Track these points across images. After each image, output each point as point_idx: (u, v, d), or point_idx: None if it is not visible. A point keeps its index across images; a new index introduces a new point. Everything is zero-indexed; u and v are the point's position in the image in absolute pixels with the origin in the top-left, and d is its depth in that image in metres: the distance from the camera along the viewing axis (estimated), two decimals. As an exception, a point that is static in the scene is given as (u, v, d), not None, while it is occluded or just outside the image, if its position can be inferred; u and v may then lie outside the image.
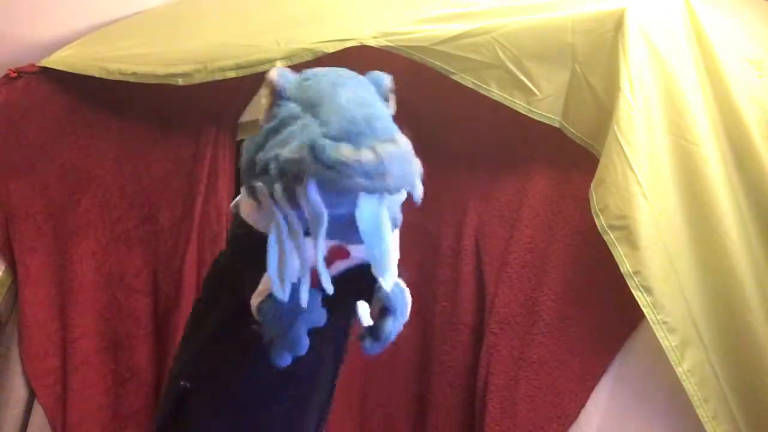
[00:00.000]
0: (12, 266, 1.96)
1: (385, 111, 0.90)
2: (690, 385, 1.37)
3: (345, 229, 0.86)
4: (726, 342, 1.41)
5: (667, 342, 1.38)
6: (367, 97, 0.90)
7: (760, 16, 1.63)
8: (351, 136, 0.82)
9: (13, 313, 1.97)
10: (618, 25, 1.48)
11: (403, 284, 1.01)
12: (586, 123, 1.53)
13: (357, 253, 0.97)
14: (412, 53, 1.59)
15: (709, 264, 1.42)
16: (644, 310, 1.38)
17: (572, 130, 1.55)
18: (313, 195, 0.82)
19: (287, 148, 0.85)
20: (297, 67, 1.77)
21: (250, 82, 1.94)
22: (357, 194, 0.83)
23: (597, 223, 1.43)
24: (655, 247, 1.40)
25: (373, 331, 1.00)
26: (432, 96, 1.74)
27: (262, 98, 0.96)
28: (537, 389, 1.53)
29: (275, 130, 0.90)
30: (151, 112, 2.01)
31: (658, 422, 1.45)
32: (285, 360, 0.95)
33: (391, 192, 0.84)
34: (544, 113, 1.55)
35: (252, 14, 1.90)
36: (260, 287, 0.99)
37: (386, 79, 0.96)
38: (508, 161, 1.69)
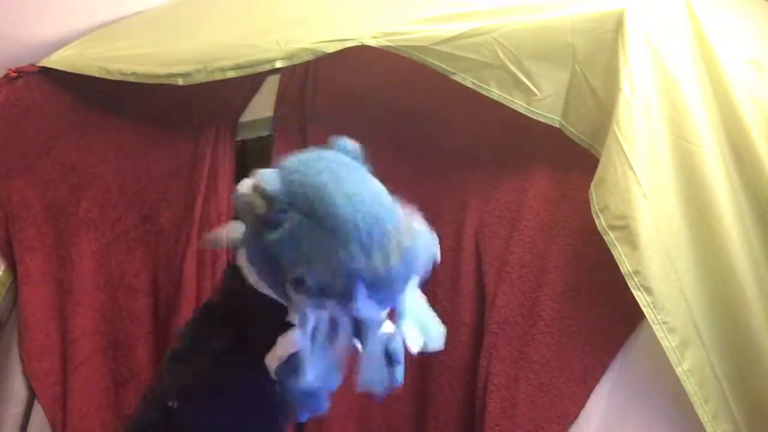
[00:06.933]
0: (12, 266, 1.97)
1: (379, 193, 0.98)
2: (690, 385, 1.37)
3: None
4: (726, 342, 1.41)
5: (667, 342, 1.38)
6: (360, 188, 0.96)
7: (760, 16, 1.63)
8: (374, 246, 0.92)
9: (13, 313, 1.97)
10: (618, 25, 1.48)
11: None
12: (586, 123, 1.53)
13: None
14: (412, 53, 1.59)
15: (709, 264, 1.42)
16: (644, 310, 1.38)
17: (572, 130, 1.55)
18: (365, 310, 0.93)
19: (317, 268, 0.92)
20: (298, 67, 1.83)
21: (250, 82, 1.94)
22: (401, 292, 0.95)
23: (597, 223, 1.43)
24: (655, 247, 1.40)
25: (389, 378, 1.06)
26: (432, 96, 1.73)
27: (256, 204, 0.96)
28: (537, 389, 1.53)
29: (291, 242, 0.94)
30: (151, 112, 2.02)
31: (658, 422, 1.45)
32: (305, 417, 1.03)
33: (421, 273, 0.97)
34: (544, 113, 1.55)
35: (252, 14, 1.90)
36: (278, 351, 1.03)
37: (352, 145, 1.02)
38: (508, 161, 1.69)
